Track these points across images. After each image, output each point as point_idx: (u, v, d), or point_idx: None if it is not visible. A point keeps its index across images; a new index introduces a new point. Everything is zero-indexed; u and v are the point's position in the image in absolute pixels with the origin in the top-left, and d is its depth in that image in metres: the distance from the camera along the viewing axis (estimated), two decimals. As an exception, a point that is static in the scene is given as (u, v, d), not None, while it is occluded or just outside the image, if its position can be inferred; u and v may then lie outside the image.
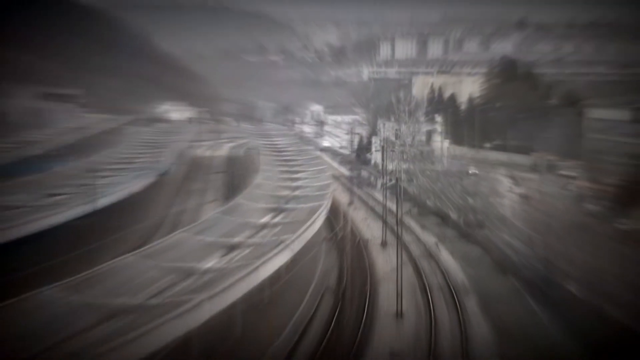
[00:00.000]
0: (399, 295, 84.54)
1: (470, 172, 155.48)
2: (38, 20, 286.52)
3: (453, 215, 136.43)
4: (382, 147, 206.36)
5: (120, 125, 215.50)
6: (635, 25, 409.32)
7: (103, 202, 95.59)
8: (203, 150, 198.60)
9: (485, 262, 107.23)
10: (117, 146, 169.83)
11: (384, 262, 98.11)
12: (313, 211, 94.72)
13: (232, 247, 75.59)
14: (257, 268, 69.08)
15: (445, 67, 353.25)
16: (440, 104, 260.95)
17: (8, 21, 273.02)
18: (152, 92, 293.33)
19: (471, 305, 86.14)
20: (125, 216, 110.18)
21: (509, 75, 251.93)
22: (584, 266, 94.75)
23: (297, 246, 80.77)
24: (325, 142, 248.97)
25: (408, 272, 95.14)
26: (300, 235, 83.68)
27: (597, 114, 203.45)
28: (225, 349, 64.86)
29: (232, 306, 64.62)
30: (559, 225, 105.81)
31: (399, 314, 79.91)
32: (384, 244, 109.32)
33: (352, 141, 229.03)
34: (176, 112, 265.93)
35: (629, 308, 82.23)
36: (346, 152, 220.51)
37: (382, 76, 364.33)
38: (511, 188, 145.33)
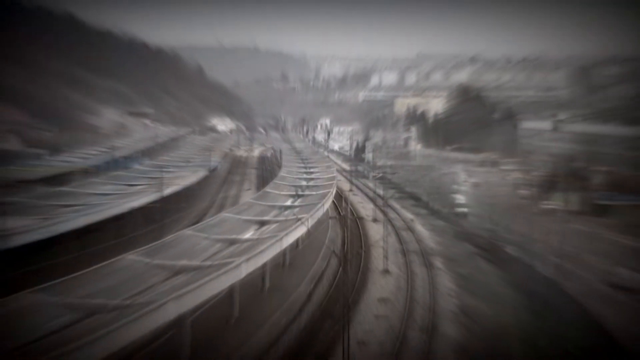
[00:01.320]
0: (385, 257, 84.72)
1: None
2: (121, 59, 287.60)
3: (424, 198, 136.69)
4: (373, 150, 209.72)
5: (181, 134, 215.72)
6: (554, 60, 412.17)
7: (169, 191, 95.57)
8: (241, 152, 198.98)
9: (447, 231, 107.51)
10: (179, 150, 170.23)
11: (374, 233, 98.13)
12: (322, 196, 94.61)
13: (263, 223, 75.68)
14: (281, 238, 68.87)
15: (417, 91, 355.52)
16: (414, 118, 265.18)
17: (98, 56, 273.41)
18: (204, 110, 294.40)
19: (437, 263, 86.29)
20: (185, 201, 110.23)
21: (463, 97, 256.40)
22: (518, 234, 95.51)
23: (310, 222, 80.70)
24: (332, 146, 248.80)
25: (392, 240, 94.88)
26: (313, 214, 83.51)
27: (527, 125, 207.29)
28: (258, 298, 65.04)
29: (263, 266, 64.85)
30: (500, 205, 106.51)
31: (386, 270, 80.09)
32: (374, 220, 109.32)
33: (351, 145, 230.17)
34: (222, 124, 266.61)
35: (550, 263, 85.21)
36: (347, 153, 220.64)
37: (372, 98, 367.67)
38: (466, 179, 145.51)
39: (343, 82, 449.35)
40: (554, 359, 55.92)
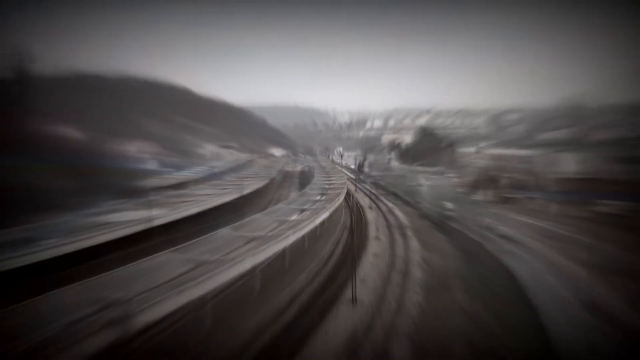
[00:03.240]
0: (377, 229, 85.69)
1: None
2: (216, 114, 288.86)
3: (401, 194, 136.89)
4: (369, 166, 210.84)
5: (253, 158, 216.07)
6: (477, 110, 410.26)
7: (246, 192, 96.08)
8: (289, 169, 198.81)
9: (415, 214, 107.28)
10: (251, 167, 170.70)
11: (370, 216, 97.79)
12: (338, 194, 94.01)
13: (302, 210, 75.12)
14: (314, 219, 69.25)
15: (395, 130, 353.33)
16: (393, 146, 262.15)
17: (204, 113, 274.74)
18: (266, 143, 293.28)
19: (408, 232, 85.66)
20: (256, 198, 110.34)
21: (423, 133, 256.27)
22: (457, 214, 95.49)
23: (332, 209, 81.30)
24: (344, 164, 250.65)
25: (380, 219, 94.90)
26: (333, 204, 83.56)
27: (461, 150, 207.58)
28: (302, 254, 65.37)
29: (303, 236, 64.96)
30: (445, 198, 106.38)
31: (377, 237, 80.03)
32: (370, 207, 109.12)
33: (355, 163, 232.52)
34: (277, 152, 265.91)
35: (475, 232, 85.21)
36: (353, 168, 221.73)
37: (368, 135, 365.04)
38: (425, 182, 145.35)
39: (350, 126, 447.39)
40: (475, 280, 57.26)
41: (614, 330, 43.65)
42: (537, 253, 71.01)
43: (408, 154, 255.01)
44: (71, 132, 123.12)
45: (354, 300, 48.77)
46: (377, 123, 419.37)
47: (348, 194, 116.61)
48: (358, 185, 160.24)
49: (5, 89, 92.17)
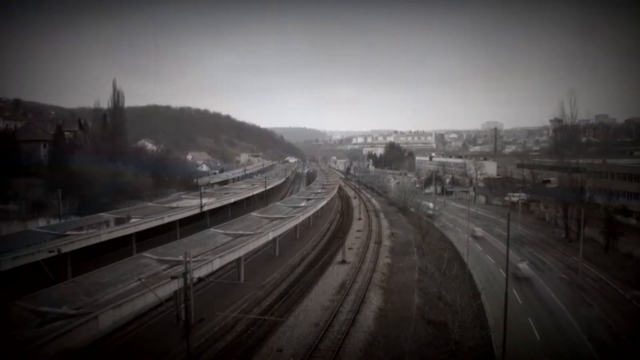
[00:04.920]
0: (360, 212, 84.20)
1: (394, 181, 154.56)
2: (250, 133, 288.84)
3: (375, 189, 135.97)
4: (353, 169, 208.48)
5: (273, 164, 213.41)
6: (429, 130, 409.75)
7: (269, 187, 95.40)
8: (299, 171, 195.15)
9: (385, 202, 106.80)
10: (273, 170, 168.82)
11: (355, 203, 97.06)
12: (333, 188, 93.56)
13: (309, 199, 74.68)
14: (316, 205, 68.69)
15: (372, 145, 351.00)
16: (371, 156, 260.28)
17: (241, 133, 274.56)
18: (283, 153, 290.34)
19: (381, 215, 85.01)
20: (276, 191, 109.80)
21: (391, 147, 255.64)
22: (414, 202, 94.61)
23: (328, 198, 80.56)
24: (337, 168, 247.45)
25: (362, 206, 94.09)
26: (330, 195, 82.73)
27: (418, 158, 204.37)
28: (307, 230, 64.69)
29: (309, 217, 64.52)
30: (407, 191, 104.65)
31: (359, 218, 78.92)
32: (355, 197, 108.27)
33: (345, 167, 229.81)
34: (292, 159, 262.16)
35: (428, 214, 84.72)
36: (343, 170, 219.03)
37: (353, 148, 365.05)
38: (392, 180, 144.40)
39: (341, 142, 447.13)
40: (425, 246, 57.27)
41: (510, 267, 47.94)
42: (466, 228, 70.52)
43: (381, 161, 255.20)
44: (150, 146, 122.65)
45: (343, 261, 48.38)
46: (360, 140, 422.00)
47: (340, 187, 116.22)
48: (346, 182, 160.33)
49: (107, 117, 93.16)
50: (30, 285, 27.87)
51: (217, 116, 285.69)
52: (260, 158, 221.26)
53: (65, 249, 37.32)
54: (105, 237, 42.65)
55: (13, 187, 64.53)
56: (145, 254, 33.24)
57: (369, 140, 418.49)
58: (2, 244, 36.54)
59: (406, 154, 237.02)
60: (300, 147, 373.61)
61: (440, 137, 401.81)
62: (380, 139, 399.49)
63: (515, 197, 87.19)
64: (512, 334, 29.46)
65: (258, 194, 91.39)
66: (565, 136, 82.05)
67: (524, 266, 49.81)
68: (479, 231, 70.68)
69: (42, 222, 54.46)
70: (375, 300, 37.03)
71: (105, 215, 51.94)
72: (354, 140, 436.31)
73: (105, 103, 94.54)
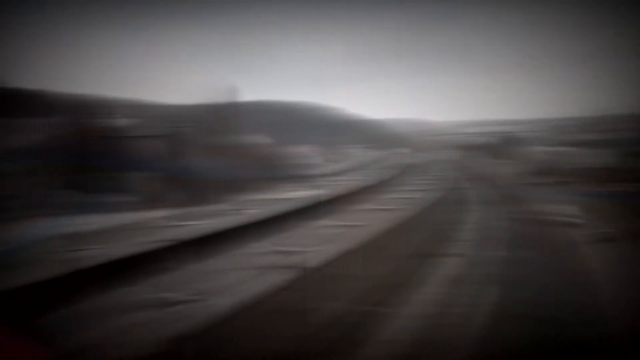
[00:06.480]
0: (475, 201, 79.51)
1: None
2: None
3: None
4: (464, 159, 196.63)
5: (387, 155, 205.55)
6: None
7: (383, 178, 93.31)
8: (411, 161, 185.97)
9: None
10: (387, 161, 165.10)
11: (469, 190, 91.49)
12: (442, 180, 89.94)
13: (418, 191, 72.14)
14: (426, 197, 66.11)
15: (483, 135, 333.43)
16: (480, 146, 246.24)
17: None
18: (394, 144, 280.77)
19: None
20: (389, 182, 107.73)
21: (504, 137, 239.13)
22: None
23: (439, 194, 77.34)
24: (447, 158, 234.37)
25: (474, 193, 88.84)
26: (438, 188, 79.57)
27: (535, 148, 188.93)
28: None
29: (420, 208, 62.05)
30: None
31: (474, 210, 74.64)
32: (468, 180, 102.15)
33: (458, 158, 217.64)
34: (403, 150, 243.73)
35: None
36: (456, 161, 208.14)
37: (462, 138, 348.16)
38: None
39: (447, 131, 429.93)
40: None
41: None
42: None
43: (492, 151, 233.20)
44: (262, 140, 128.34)
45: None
46: (468, 129, 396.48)
47: (455, 179, 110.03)
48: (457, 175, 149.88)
49: (221, 112, 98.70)
50: (151, 270, 29.09)
51: (328, 109, 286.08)
52: (373, 150, 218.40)
53: (185, 237, 39.06)
54: (221, 226, 44.26)
55: (130, 181, 70.04)
56: (261, 242, 33.97)
57: (473, 129, 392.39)
58: (123, 232, 39.01)
59: (519, 143, 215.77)
60: (408, 137, 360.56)
61: (548, 125, 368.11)
62: (483, 128, 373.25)
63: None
64: None
65: (371, 185, 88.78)
66: None
67: None
68: None
69: (160, 213, 57.84)
70: None
71: (221, 206, 54.31)
72: (460, 130, 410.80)
73: (216, 99, 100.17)
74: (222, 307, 19.24)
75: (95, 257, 27.59)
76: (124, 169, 68.58)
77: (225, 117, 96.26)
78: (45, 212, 49.15)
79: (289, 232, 39.41)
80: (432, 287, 24.81)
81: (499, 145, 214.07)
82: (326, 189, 71.44)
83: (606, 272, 26.25)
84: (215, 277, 25.63)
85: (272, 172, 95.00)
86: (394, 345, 16.41)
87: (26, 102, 65.58)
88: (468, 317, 19.10)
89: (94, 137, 73.84)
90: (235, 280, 24.52)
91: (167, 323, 17.74)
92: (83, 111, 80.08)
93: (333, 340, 17.40)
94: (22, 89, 67.44)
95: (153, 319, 18.15)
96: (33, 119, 67.41)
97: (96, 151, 67.93)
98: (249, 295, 20.98)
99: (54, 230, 33.83)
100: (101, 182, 65.12)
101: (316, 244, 34.15)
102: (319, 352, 15.57)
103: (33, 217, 47.60)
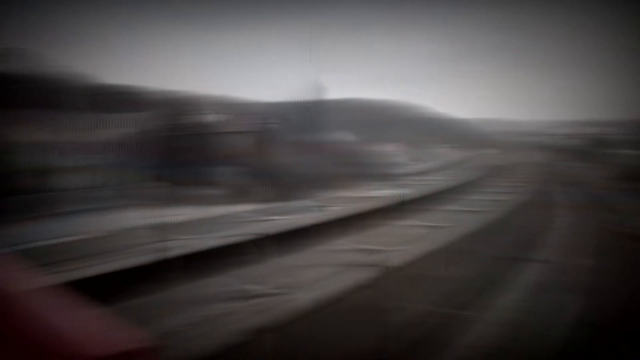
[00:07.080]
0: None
1: None
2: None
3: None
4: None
5: (474, 155, 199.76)
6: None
7: (469, 179, 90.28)
8: (498, 163, 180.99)
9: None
10: (472, 162, 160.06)
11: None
12: (526, 183, 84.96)
13: (504, 193, 68.99)
14: (507, 199, 62.86)
15: (570, 137, 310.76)
16: (567, 148, 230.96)
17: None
18: (480, 144, 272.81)
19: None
20: (475, 183, 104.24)
21: (594, 139, 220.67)
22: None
23: (520, 197, 73.27)
24: (533, 160, 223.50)
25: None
26: (523, 190, 75.55)
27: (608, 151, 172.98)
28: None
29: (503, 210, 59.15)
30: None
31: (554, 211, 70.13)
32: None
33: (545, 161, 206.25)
34: (490, 151, 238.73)
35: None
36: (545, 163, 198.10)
37: (546, 139, 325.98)
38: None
39: (532, 131, 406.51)
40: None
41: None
42: None
43: (582, 155, 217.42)
44: (348, 138, 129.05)
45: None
46: (553, 130, 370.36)
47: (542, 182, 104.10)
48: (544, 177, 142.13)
49: (308, 109, 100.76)
50: (236, 263, 30.10)
51: (414, 107, 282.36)
52: (459, 150, 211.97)
53: (269, 232, 40.05)
54: (305, 222, 44.81)
55: (218, 175, 73.10)
56: (344, 239, 33.75)
57: (562, 130, 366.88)
58: (211, 224, 40.66)
59: (609, 146, 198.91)
60: (496, 137, 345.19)
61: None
62: (572, 129, 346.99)
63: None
64: None
65: (453, 186, 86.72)
66: None
67: None
68: None
69: (246, 208, 59.79)
70: None
71: (305, 202, 54.98)
72: (548, 131, 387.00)
73: (303, 96, 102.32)
74: (303, 301, 19.33)
75: (183, 248, 28.57)
76: (213, 164, 72.15)
77: (312, 114, 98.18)
78: (136, 203, 50.73)
79: (372, 231, 38.86)
80: (515, 292, 23.84)
81: (587, 147, 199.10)
82: (411, 188, 70.15)
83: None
84: (297, 271, 25.77)
85: (357, 170, 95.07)
86: (474, 351, 15.94)
87: (118, 98, 70.40)
88: (550, 325, 18.15)
89: (185, 133, 78.62)
90: (317, 276, 24.43)
91: (250, 315, 18.20)
92: (173, 107, 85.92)
93: (413, 341, 17.16)
94: (114, 84, 71.92)
95: (236, 310, 18.71)
96: (125, 114, 74.76)
97: (186, 146, 72.15)
98: (331, 291, 20.94)
99: (143, 220, 34.73)
100: (191, 176, 68.98)
101: (399, 243, 33.44)
102: (398, 352, 15.36)
103: (124, 207, 49.74)
